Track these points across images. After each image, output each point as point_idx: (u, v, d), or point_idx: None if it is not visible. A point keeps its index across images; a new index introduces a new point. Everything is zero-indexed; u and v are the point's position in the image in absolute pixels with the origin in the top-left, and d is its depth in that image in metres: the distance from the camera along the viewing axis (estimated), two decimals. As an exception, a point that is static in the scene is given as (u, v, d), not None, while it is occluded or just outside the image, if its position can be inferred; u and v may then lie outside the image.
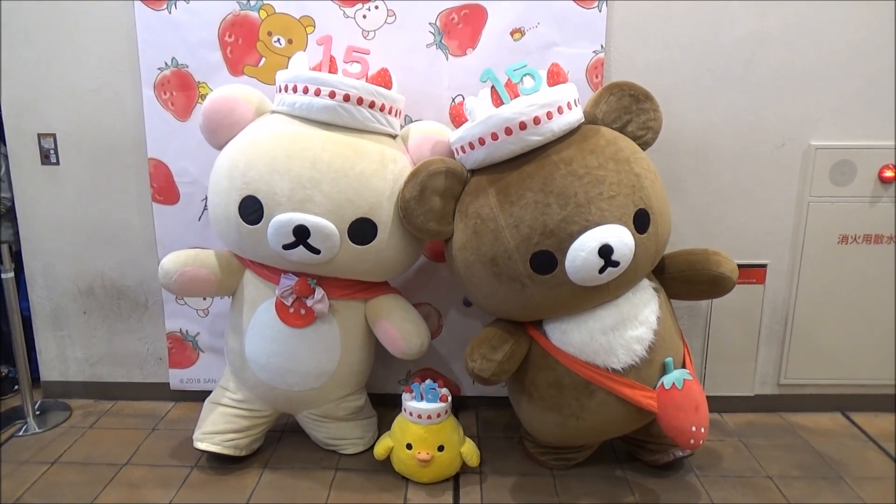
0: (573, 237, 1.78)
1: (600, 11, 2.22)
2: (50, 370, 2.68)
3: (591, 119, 1.99)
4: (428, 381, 2.15)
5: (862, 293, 2.47)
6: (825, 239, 2.42)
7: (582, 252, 1.77)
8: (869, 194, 2.38)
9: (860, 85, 2.31)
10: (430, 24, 2.26)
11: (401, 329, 2.11)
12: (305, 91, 1.98)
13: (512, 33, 2.25)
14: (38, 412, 2.53)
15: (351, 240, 1.95)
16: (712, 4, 2.25)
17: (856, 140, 2.34)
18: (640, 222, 1.85)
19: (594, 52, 2.26)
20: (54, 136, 2.44)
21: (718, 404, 2.53)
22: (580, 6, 2.22)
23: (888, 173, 2.34)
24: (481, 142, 1.90)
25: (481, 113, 1.89)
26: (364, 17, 2.26)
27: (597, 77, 2.27)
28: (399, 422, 2.16)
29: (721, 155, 2.37)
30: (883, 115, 2.34)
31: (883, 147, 2.34)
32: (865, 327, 2.50)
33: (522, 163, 1.89)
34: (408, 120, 2.22)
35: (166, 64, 2.31)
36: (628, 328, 1.91)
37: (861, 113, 2.34)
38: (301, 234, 1.90)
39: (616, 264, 1.80)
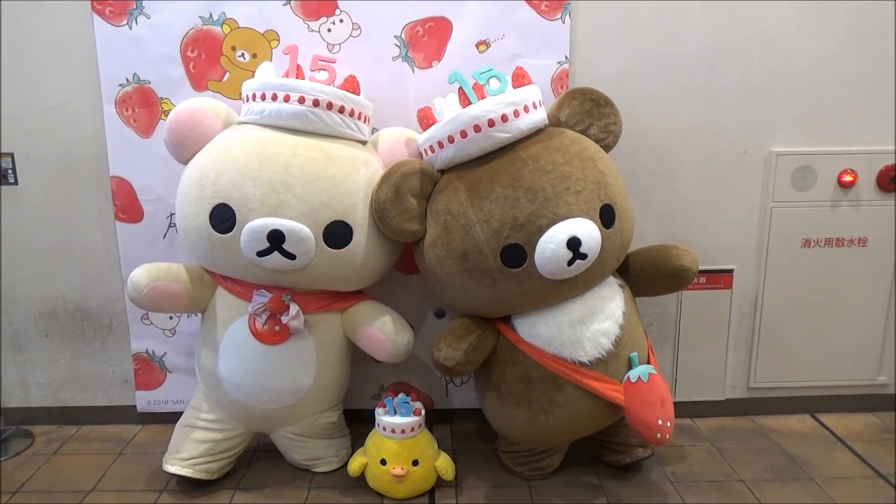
0: (542, 230, 1.82)
1: (563, 23, 2.25)
2: (11, 396, 2.60)
3: (554, 122, 2.05)
4: (401, 396, 2.13)
5: (826, 295, 2.52)
6: (789, 243, 2.47)
7: (551, 244, 1.80)
8: (829, 198, 2.43)
9: (818, 93, 2.37)
10: (395, 37, 2.26)
11: (383, 330, 2.08)
12: (274, 98, 1.97)
13: (477, 45, 2.27)
14: (-2, 440, 2.46)
15: (326, 243, 1.93)
16: (673, 16, 2.29)
17: (815, 146, 2.40)
18: (606, 217, 1.89)
19: (559, 62, 2.28)
20: (12, 155, 2.37)
21: (690, 409, 2.56)
22: (544, 18, 2.24)
23: (847, 178, 2.39)
24: (450, 140, 1.93)
25: (450, 112, 1.93)
26: (329, 30, 2.25)
27: (562, 87, 2.30)
28: (373, 437, 2.14)
29: (685, 163, 2.40)
30: (841, 122, 2.39)
31: (841, 152, 2.40)
32: (831, 329, 2.54)
33: (491, 160, 1.93)
34: (374, 132, 2.22)
35: (128, 80, 2.28)
36: (595, 321, 1.94)
37: (820, 120, 2.39)
38: (276, 240, 1.87)
39: (584, 257, 1.83)
